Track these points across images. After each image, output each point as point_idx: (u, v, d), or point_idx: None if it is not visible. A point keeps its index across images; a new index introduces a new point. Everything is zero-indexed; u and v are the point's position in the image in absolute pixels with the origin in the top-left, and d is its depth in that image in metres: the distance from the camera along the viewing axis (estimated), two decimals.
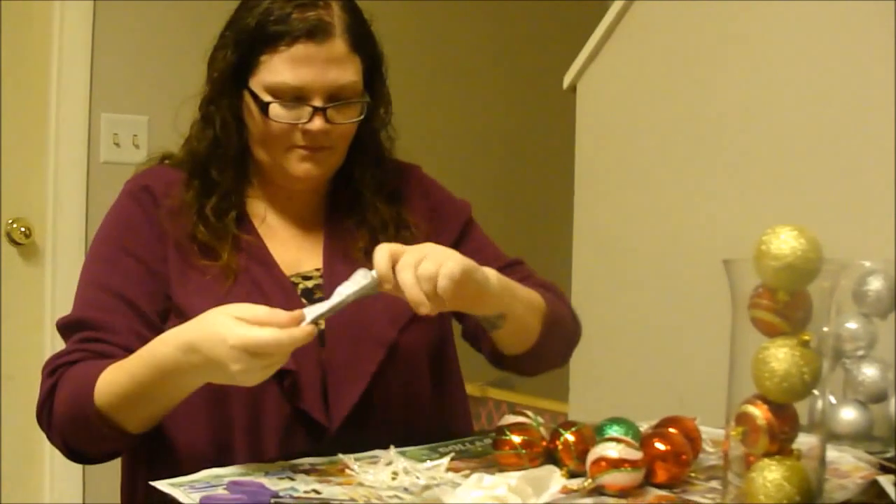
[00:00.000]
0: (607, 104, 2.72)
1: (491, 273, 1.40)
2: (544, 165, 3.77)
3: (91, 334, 1.48)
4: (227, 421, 1.47)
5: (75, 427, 1.42)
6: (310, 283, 1.57)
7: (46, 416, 1.45)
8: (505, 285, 1.43)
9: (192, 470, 1.29)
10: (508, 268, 1.66)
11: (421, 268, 1.28)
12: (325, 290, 1.55)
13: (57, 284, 2.83)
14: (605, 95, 2.72)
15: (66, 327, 1.52)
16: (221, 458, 1.40)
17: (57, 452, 1.49)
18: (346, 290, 1.31)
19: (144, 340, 1.44)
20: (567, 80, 2.79)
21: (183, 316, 1.46)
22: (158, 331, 1.46)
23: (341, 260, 1.58)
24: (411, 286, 1.28)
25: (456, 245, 1.66)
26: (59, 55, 2.85)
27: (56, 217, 2.87)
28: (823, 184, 2.20)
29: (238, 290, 1.50)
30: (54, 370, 1.46)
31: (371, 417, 1.50)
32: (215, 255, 1.53)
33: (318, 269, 1.59)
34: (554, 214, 3.09)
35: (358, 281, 1.31)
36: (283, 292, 1.52)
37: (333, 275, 1.55)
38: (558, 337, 1.62)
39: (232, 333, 1.24)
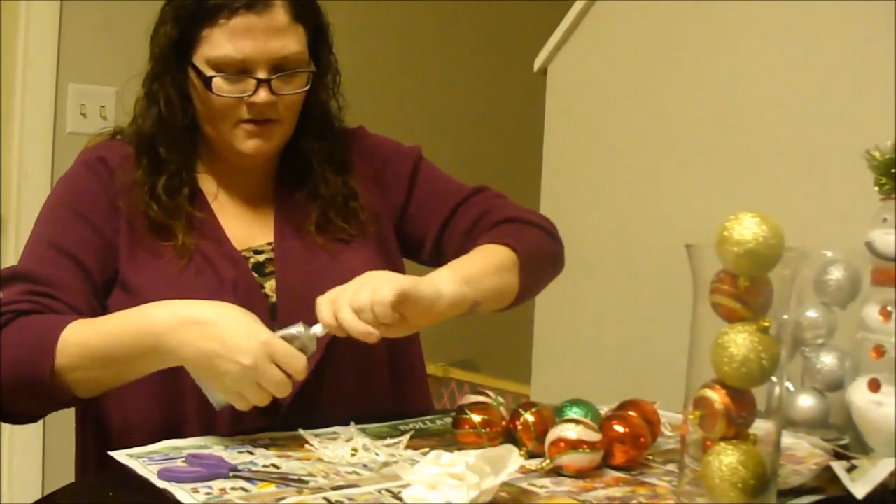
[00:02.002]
0: (577, 87, 2.73)
1: (444, 281, 1.36)
2: (513, 146, 3.78)
3: (41, 288, 1.43)
4: (179, 393, 1.45)
5: (14, 380, 1.35)
6: (261, 258, 1.56)
7: None
8: (467, 280, 1.39)
9: (142, 441, 1.28)
10: (471, 197, 1.66)
11: (356, 300, 1.28)
12: (276, 264, 1.54)
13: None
14: (576, 79, 2.73)
15: (9, 277, 1.46)
16: (172, 431, 1.39)
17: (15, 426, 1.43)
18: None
19: (91, 306, 1.42)
20: (538, 63, 2.79)
21: (129, 291, 1.45)
22: (103, 301, 1.45)
23: (292, 233, 1.58)
24: (352, 323, 1.27)
25: (408, 193, 1.66)
26: (27, 24, 2.82)
27: (21, 187, 2.85)
28: (787, 173, 2.21)
29: (190, 266, 1.49)
30: None
31: (324, 395, 1.49)
32: (169, 234, 1.51)
33: (269, 243, 1.58)
34: (521, 194, 3.08)
35: (293, 335, 1.30)
36: (234, 266, 1.51)
37: (284, 248, 1.56)
38: (540, 272, 1.60)
39: (267, 332, 1.26)
